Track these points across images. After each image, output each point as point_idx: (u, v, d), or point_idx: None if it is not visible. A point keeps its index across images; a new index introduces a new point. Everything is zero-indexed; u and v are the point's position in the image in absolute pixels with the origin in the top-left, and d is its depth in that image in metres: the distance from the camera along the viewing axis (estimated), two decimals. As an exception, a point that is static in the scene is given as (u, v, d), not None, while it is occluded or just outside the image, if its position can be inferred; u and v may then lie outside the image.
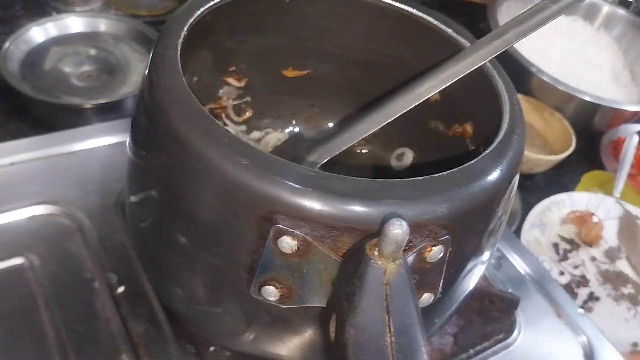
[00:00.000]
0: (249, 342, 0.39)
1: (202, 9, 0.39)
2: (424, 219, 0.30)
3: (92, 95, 0.71)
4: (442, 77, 0.40)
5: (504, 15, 1.01)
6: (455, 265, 0.35)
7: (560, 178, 0.85)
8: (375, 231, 0.29)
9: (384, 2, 0.46)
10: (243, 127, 0.54)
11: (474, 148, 0.46)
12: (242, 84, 0.52)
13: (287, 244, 0.30)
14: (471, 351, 0.49)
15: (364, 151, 0.56)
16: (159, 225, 0.37)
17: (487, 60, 0.40)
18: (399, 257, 0.27)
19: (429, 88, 0.40)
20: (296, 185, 0.29)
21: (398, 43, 0.48)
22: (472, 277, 0.40)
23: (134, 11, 0.89)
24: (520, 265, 0.56)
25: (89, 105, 0.68)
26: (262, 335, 0.38)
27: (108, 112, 0.68)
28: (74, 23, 0.79)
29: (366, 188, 0.30)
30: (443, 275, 0.33)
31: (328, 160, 0.54)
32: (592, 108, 0.86)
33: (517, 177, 0.37)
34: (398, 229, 0.26)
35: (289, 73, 0.53)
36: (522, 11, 0.39)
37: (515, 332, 0.51)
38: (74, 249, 0.49)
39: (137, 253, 0.44)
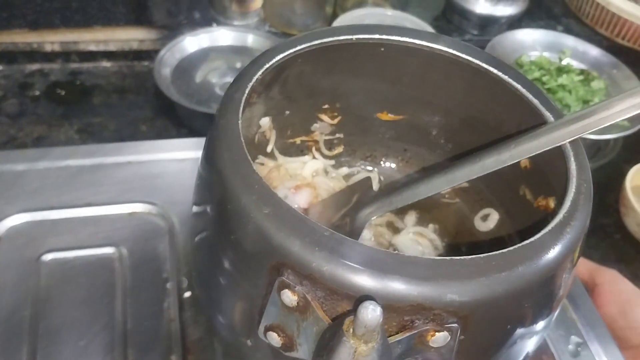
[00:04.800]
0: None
1: (284, 54, 0.41)
2: (428, 301, 0.29)
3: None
4: (513, 152, 0.38)
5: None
6: (473, 352, 0.33)
7: None
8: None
9: (478, 64, 0.44)
10: (332, 162, 0.55)
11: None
12: (335, 122, 0.53)
13: (288, 297, 0.30)
14: None
15: (450, 202, 0.55)
16: (208, 241, 0.40)
17: (564, 142, 0.37)
18: (372, 339, 0.26)
19: (496, 162, 0.39)
20: (305, 243, 0.30)
21: (493, 103, 0.46)
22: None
23: (287, 29, 0.94)
24: (600, 358, 0.51)
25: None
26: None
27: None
28: (224, 36, 0.87)
29: (376, 259, 0.30)
30: (452, 361, 0.32)
31: (411, 205, 0.53)
32: None
33: (566, 274, 0.34)
34: (370, 314, 0.25)
35: (384, 117, 0.53)
36: None
37: None
38: (160, 249, 0.54)
39: (193, 265, 0.47)
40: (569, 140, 0.37)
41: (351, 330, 0.27)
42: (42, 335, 0.47)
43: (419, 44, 0.45)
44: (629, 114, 0.35)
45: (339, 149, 0.56)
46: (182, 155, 0.62)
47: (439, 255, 0.52)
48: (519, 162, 0.46)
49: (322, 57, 0.45)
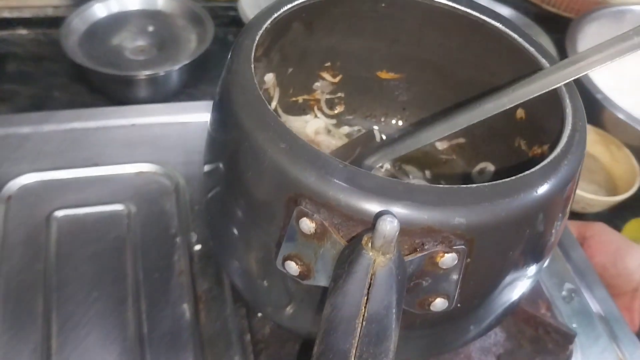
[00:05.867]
0: (288, 318, 0.42)
1: (290, 5, 0.42)
2: (437, 224, 0.31)
3: (141, 68, 0.76)
4: (511, 97, 0.40)
5: (586, 34, 0.94)
6: (478, 277, 0.35)
7: (616, 220, 0.74)
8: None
9: (476, 16, 0.46)
10: (333, 121, 0.57)
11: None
12: (336, 80, 0.55)
13: (307, 225, 0.32)
14: (515, 376, 0.48)
15: (448, 159, 0.57)
16: (221, 195, 0.41)
17: (559, 84, 0.39)
18: (389, 251, 0.28)
19: (495, 105, 0.41)
20: (321, 174, 0.32)
21: (490, 57, 0.48)
22: (508, 294, 0.39)
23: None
24: (592, 302, 0.54)
25: (141, 77, 0.74)
26: (299, 313, 0.41)
27: (152, 84, 0.76)
28: (133, 1, 0.85)
29: (387, 187, 0.32)
30: (459, 284, 0.34)
31: (410, 161, 0.56)
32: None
33: (564, 204, 0.37)
34: (387, 225, 0.27)
35: (383, 75, 0.55)
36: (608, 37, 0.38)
37: (570, 369, 0.49)
38: (167, 206, 0.56)
39: (206, 222, 0.49)
40: (564, 82, 0.39)
41: (370, 244, 0.29)
42: (56, 288, 0.49)
43: (421, -3, 0.47)
44: (618, 56, 0.37)
45: (340, 108, 0.57)
46: (185, 118, 0.63)
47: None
48: (514, 114, 0.48)
49: (324, 12, 0.47)
